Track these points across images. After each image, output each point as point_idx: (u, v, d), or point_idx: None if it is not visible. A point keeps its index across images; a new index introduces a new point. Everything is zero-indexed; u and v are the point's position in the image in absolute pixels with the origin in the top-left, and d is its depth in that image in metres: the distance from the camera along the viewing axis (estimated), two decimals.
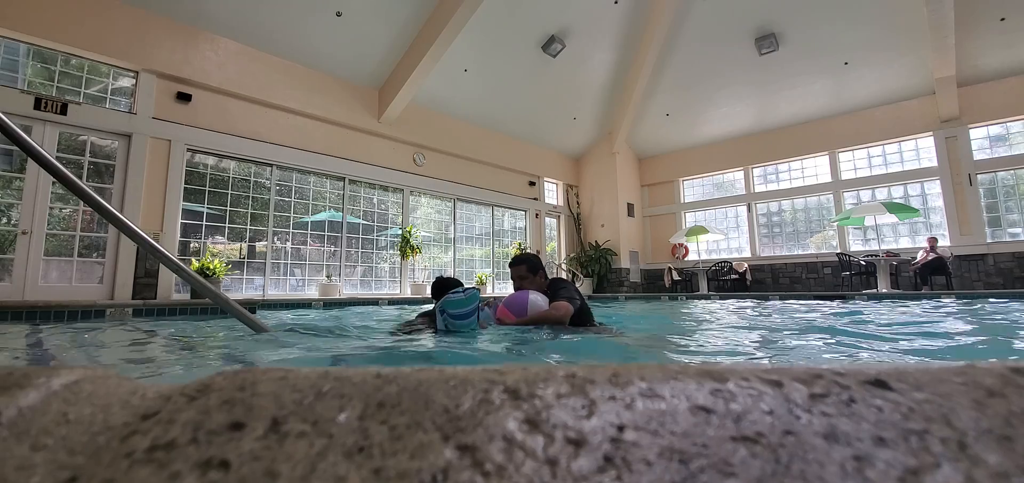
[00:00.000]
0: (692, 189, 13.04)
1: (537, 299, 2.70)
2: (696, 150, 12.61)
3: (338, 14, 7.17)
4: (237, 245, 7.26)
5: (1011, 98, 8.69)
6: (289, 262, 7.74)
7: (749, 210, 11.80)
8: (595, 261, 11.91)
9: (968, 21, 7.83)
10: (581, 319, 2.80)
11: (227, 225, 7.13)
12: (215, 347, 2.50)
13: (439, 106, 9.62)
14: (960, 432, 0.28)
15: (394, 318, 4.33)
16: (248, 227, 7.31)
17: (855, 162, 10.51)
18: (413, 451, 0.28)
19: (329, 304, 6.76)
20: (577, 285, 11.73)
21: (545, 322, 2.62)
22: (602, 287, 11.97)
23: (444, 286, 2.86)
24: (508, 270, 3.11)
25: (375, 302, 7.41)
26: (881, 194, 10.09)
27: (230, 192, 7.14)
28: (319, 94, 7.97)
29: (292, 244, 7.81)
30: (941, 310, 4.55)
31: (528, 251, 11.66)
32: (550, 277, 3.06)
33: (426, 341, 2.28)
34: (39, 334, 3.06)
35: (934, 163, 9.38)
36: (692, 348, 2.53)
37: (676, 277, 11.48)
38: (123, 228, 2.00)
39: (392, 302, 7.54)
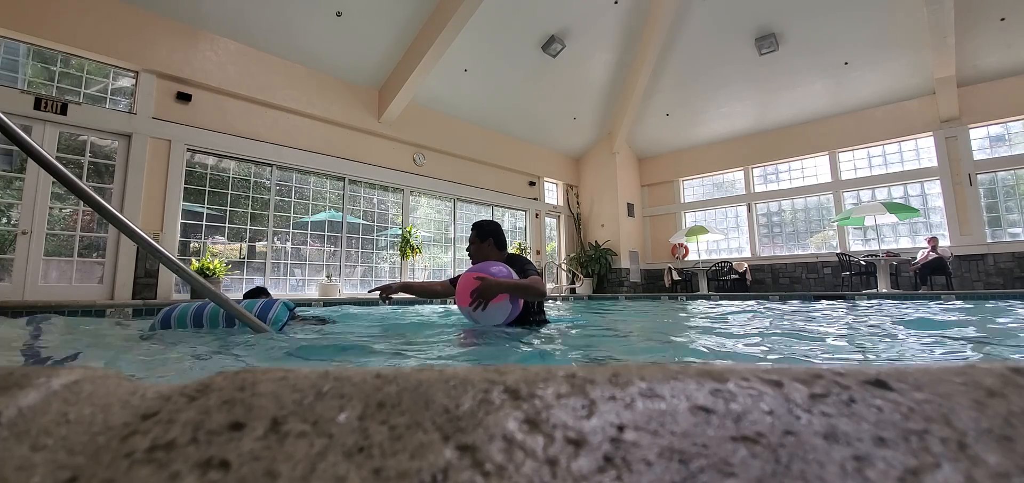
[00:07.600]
0: (692, 189, 13.04)
1: (503, 269, 2.50)
2: (696, 150, 12.61)
3: (338, 14, 7.17)
4: (237, 245, 7.26)
5: (1011, 98, 8.69)
6: (289, 262, 7.74)
7: (749, 210, 11.80)
8: (595, 261, 11.92)
9: (968, 21, 7.83)
10: (534, 309, 2.64)
11: (227, 225, 7.13)
12: (214, 347, 2.50)
13: (439, 106, 9.62)
14: (960, 432, 0.28)
15: (390, 314, 4.33)
16: (248, 227, 7.31)
17: (855, 162, 10.51)
18: (413, 451, 0.28)
19: (328, 304, 6.76)
20: (576, 284, 11.76)
21: (522, 293, 2.39)
22: (602, 287, 11.97)
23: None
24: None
25: (376, 302, 7.39)
26: (881, 194, 10.09)
27: (230, 192, 7.14)
28: (319, 94, 7.97)
29: (292, 244, 7.81)
30: (941, 309, 4.55)
31: (523, 250, 11.66)
32: (509, 252, 2.88)
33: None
34: (39, 333, 3.06)
35: (934, 163, 9.38)
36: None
37: (676, 277, 11.48)
38: (123, 228, 2.00)
39: (393, 302, 7.52)
